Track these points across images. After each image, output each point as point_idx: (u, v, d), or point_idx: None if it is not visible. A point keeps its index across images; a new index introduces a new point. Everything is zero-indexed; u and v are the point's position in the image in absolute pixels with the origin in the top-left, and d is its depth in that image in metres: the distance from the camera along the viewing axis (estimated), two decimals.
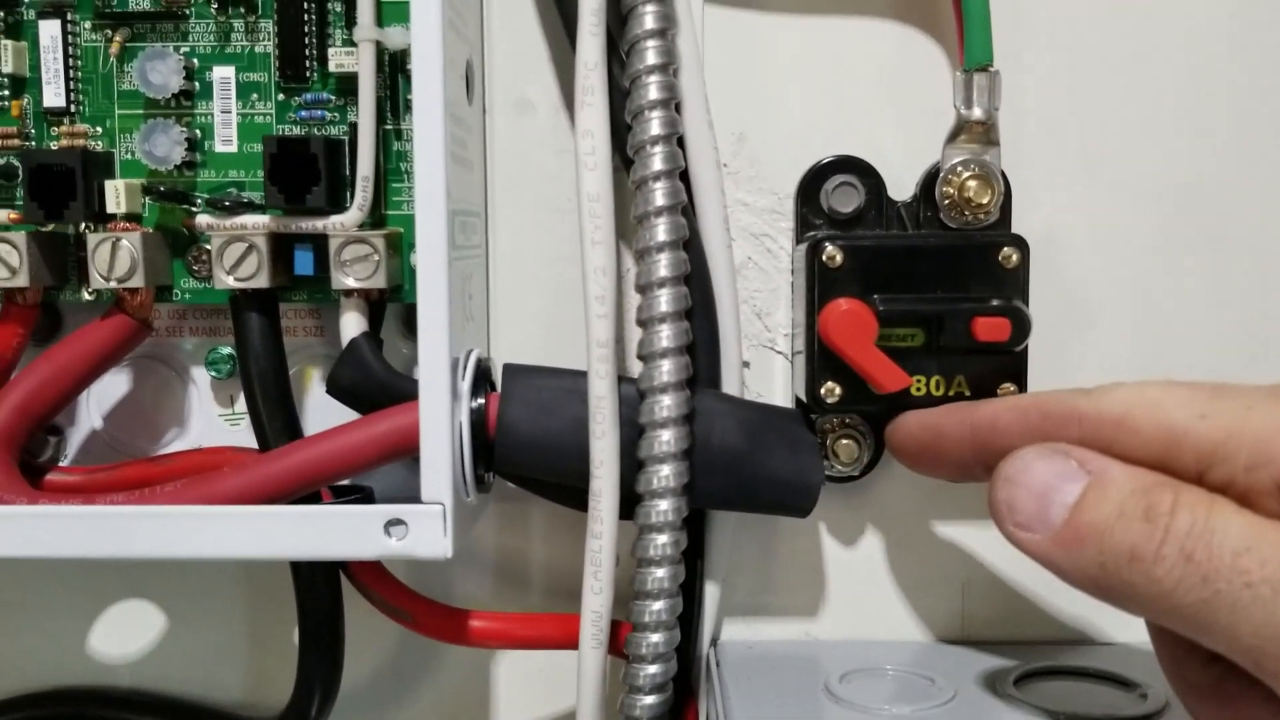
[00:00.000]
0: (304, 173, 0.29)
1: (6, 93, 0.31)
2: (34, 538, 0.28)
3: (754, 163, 0.33)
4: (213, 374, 0.33)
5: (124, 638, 0.35)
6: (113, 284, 0.30)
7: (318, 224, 0.30)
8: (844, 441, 0.32)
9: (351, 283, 0.29)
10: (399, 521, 0.27)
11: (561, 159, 0.33)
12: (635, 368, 0.30)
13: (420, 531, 0.27)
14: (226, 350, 0.33)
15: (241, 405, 0.33)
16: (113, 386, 0.33)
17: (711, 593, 0.33)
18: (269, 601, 0.35)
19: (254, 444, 0.33)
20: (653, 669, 0.30)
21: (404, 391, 0.30)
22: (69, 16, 0.30)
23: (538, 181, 0.34)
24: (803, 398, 0.32)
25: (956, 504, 0.34)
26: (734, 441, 0.30)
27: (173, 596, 0.35)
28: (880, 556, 0.34)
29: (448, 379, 0.27)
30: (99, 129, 0.31)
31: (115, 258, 0.29)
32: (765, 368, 0.34)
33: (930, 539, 0.34)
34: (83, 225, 0.31)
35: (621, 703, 0.30)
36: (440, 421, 0.27)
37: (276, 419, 0.30)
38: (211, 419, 0.33)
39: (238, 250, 0.30)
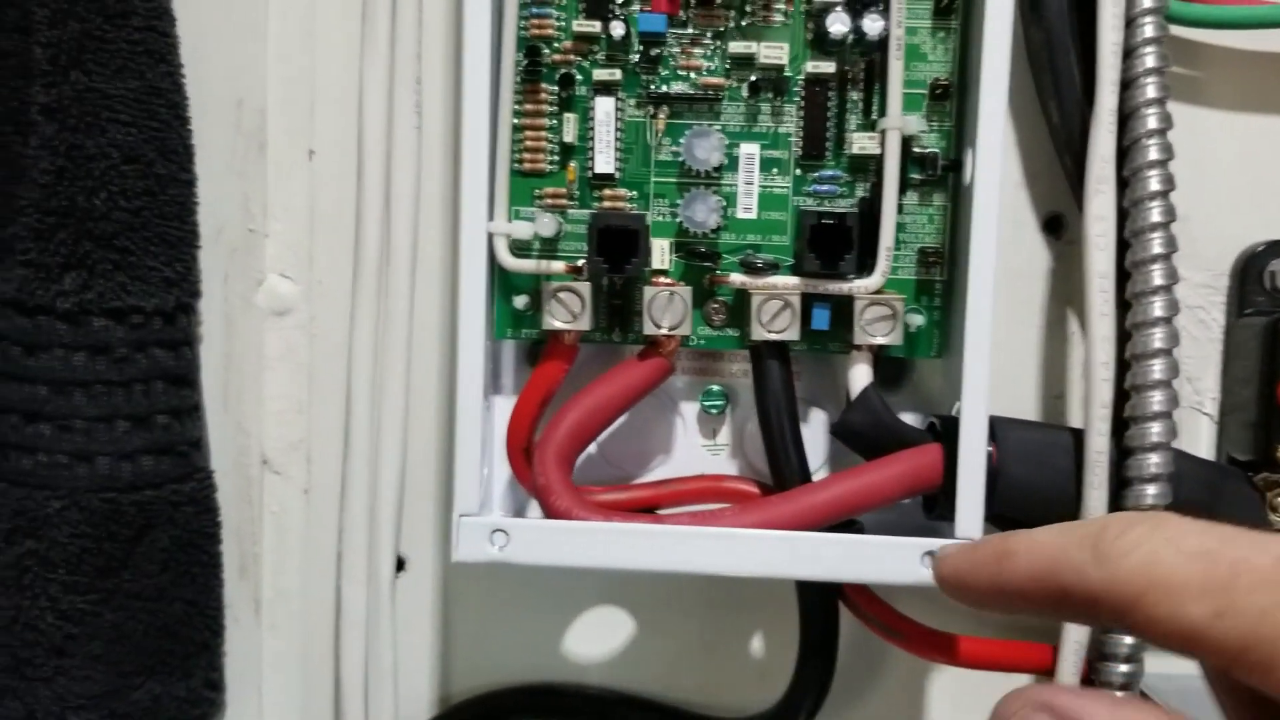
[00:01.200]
0: (838, 243, 0.33)
1: (556, 158, 0.35)
2: (601, 550, 0.32)
3: (1192, 241, 0.37)
4: (711, 410, 0.37)
5: (596, 640, 0.39)
6: (664, 330, 0.34)
7: (843, 286, 0.34)
8: None
9: (879, 340, 0.33)
10: (932, 553, 0.31)
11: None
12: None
13: None
14: (717, 388, 0.37)
15: (723, 438, 0.38)
16: None
17: None
18: (722, 614, 0.39)
19: (730, 471, 0.37)
20: (1119, 695, 0.34)
21: (909, 437, 0.34)
22: (619, 95, 0.35)
23: None
24: (1235, 456, 0.36)
25: None
26: (1199, 496, 0.34)
27: (640, 606, 0.39)
28: None
29: (985, 429, 0.31)
30: (634, 193, 0.35)
31: (670, 307, 0.34)
32: (1192, 427, 0.37)
33: None
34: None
35: None
36: (978, 465, 0.31)
37: (791, 455, 0.34)
38: (695, 449, 0.38)
39: (774, 307, 0.34)
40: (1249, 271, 0.36)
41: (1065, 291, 0.37)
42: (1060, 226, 0.37)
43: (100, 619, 0.35)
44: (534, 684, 0.39)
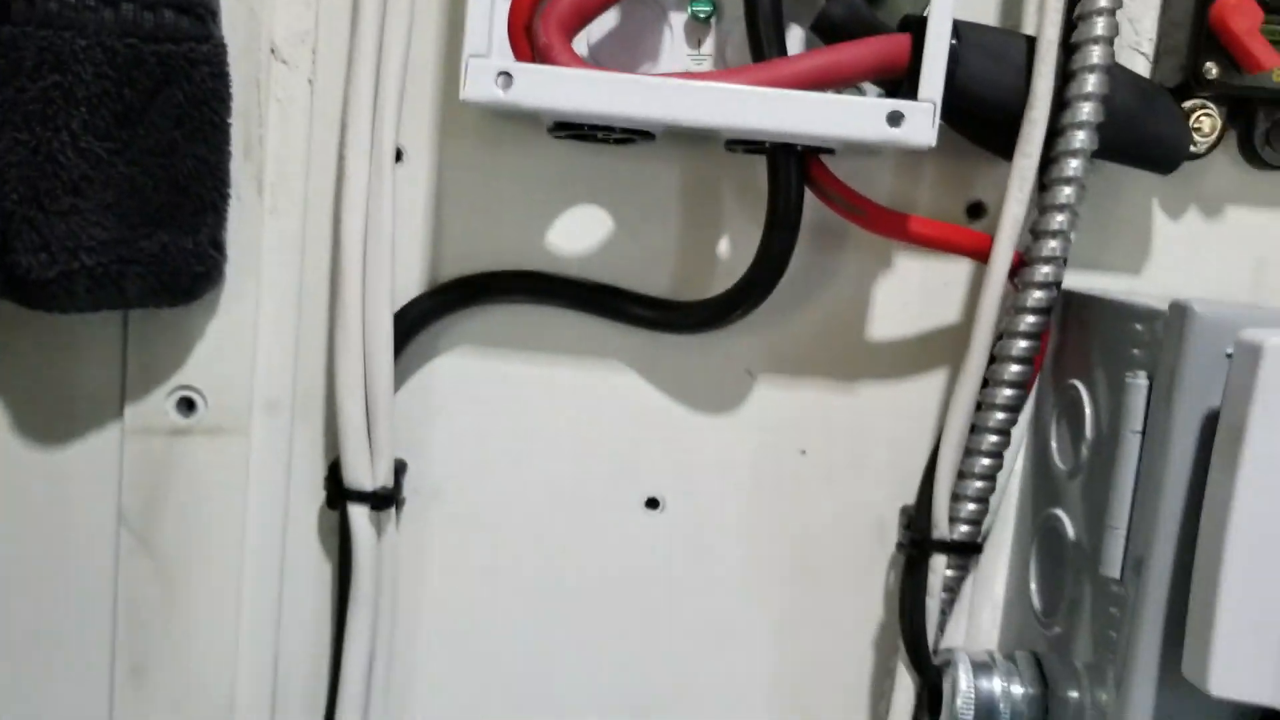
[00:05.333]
0: None
1: None
2: (596, 97, 0.35)
3: None
4: (699, 14, 0.40)
5: (577, 237, 0.42)
6: None
7: None
8: (1205, 118, 0.40)
9: None
10: (899, 114, 0.35)
11: None
12: None
13: (915, 124, 0.35)
14: None
15: (707, 48, 0.40)
16: (604, 18, 0.40)
17: None
18: (697, 217, 0.42)
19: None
20: (1039, 294, 0.38)
21: (883, 31, 0.37)
22: None
23: None
24: (1166, 85, 0.40)
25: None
26: (1132, 102, 0.38)
27: (621, 205, 0.42)
28: (1198, 231, 0.42)
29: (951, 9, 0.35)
30: None
31: None
32: (1130, 66, 0.41)
33: (1233, 219, 0.42)
34: None
35: (1006, 324, 0.38)
36: (944, 35, 0.35)
37: (774, 42, 0.37)
38: (680, 58, 0.40)
39: None
40: None
41: None
42: None
43: (115, 169, 0.38)
44: (520, 269, 0.42)
